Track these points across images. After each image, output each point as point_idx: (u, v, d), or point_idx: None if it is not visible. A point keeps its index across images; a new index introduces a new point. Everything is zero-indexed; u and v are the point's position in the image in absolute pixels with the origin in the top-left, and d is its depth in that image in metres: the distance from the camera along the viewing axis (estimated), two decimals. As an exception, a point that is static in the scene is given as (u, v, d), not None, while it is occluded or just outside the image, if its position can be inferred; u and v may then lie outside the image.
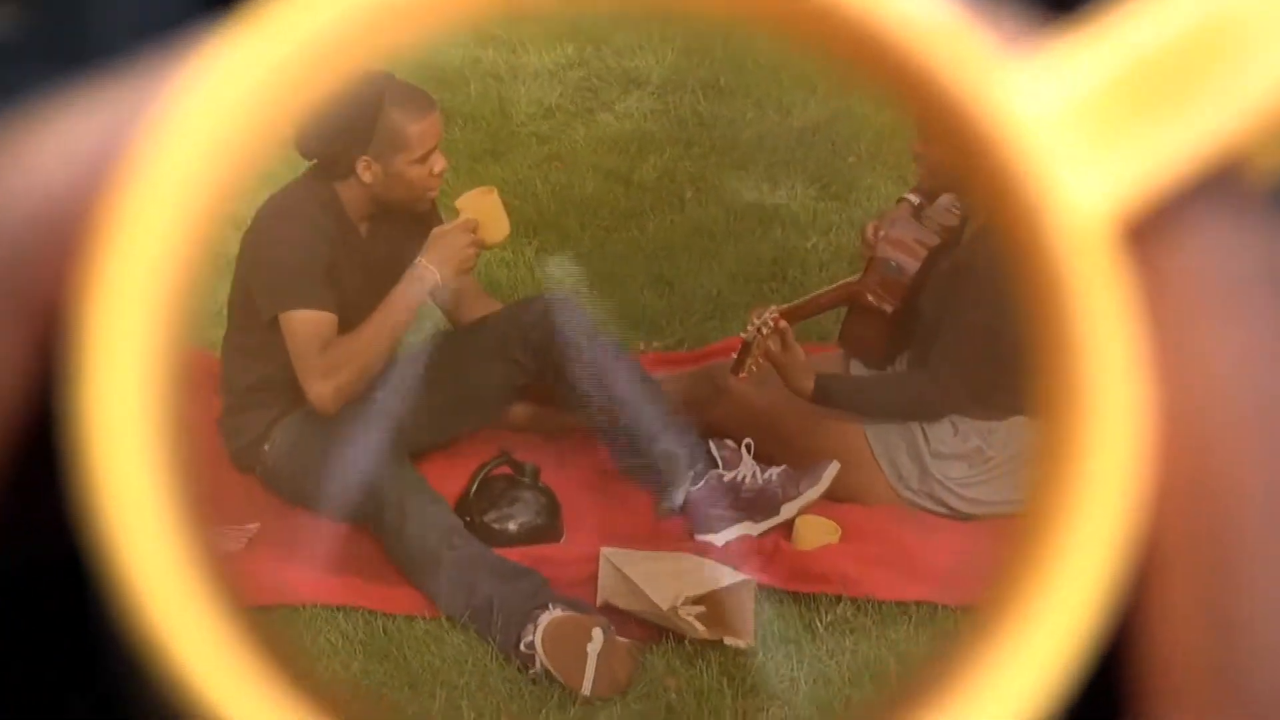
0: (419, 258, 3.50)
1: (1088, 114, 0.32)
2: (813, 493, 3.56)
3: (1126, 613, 0.32)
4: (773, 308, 3.65)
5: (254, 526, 3.55)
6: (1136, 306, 0.32)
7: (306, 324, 3.45)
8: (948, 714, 0.32)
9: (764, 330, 3.57)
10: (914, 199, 3.77)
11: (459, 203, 3.59)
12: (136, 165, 0.31)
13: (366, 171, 3.50)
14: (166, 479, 0.31)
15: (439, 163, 3.54)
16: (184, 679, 0.31)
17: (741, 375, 3.64)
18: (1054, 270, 0.31)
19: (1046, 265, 0.31)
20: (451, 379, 3.76)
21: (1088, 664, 0.32)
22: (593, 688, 3.00)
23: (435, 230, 3.54)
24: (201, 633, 0.31)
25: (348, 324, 3.48)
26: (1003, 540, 0.34)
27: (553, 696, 3.01)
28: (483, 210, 3.57)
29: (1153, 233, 0.32)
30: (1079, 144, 0.32)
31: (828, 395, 3.63)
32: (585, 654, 3.01)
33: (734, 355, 3.67)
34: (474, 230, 3.53)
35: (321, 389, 3.46)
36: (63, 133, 0.33)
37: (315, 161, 3.57)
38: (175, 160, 0.31)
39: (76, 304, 0.31)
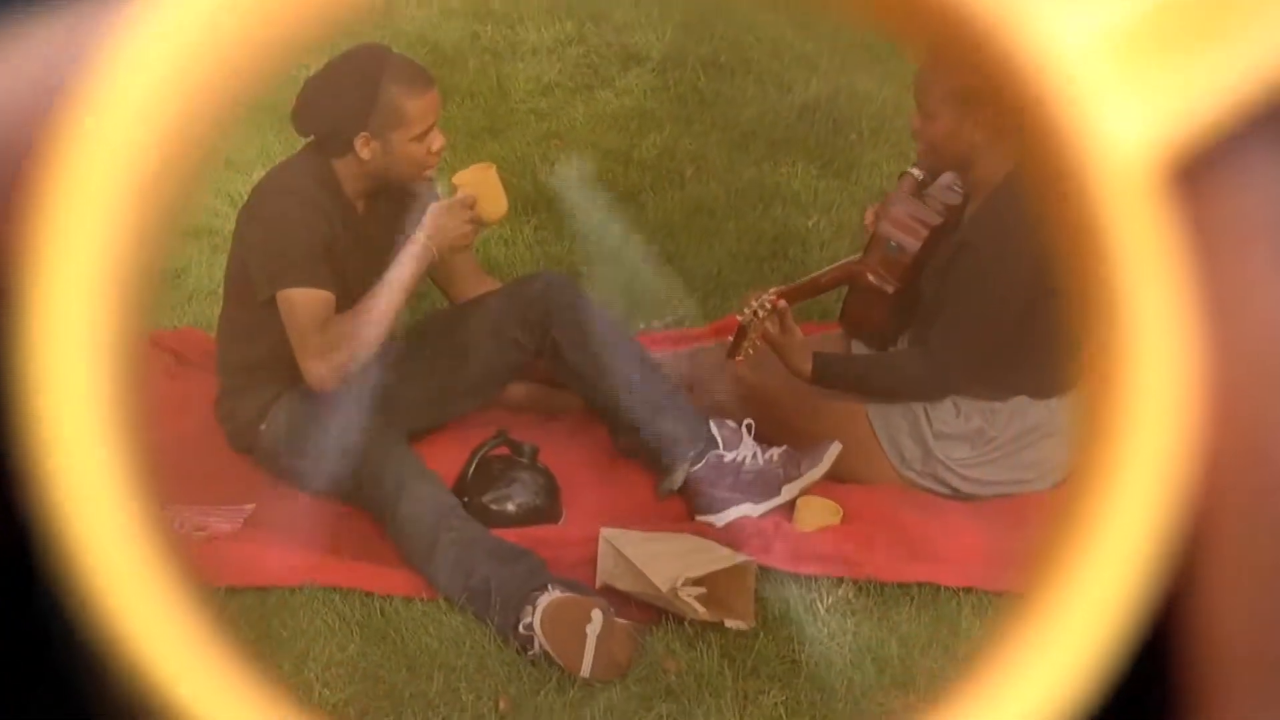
0: (416, 234, 3.48)
1: (1127, 43, 0.29)
2: (814, 473, 3.55)
3: (1178, 588, 0.30)
4: (771, 290, 3.62)
5: (250, 507, 3.54)
6: (1182, 252, 0.29)
7: (304, 303, 3.43)
8: (984, 698, 0.29)
9: (760, 313, 3.55)
10: (917, 173, 3.75)
11: (456, 179, 3.57)
12: (89, 92, 0.29)
13: (365, 148, 3.48)
14: (120, 447, 0.29)
15: (437, 140, 3.52)
16: (142, 666, 0.29)
17: (738, 359, 3.63)
18: (1093, 213, 0.28)
19: (1085, 208, 0.28)
20: (449, 358, 3.75)
21: (1135, 643, 0.29)
22: (592, 670, 2.99)
23: (432, 206, 3.52)
24: (160, 616, 0.29)
25: (345, 302, 3.47)
26: (1042, 514, 0.31)
27: (551, 679, 2.99)
28: (480, 186, 3.55)
29: (1199, 173, 0.30)
30: (1118, 76, 0.29)
31: (827, 376, 3.61)
32: (584, 636, 2.99)
33: (731, 338, 3.66)
34: (471, 206, 3.51)
35: (319, 368, 3.44)
36: (14, 57, 0.31)
37: (312, 138, 3.56)
38: (129, 88, 0.28)
39: (25, 242, 0.29)
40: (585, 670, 2.99)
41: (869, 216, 3.78)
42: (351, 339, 3.44)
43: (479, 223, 3.56)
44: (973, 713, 0.30)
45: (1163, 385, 0.28)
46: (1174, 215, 0.29)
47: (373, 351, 3.51)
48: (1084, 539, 0.29)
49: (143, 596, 0.29)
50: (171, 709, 0.29)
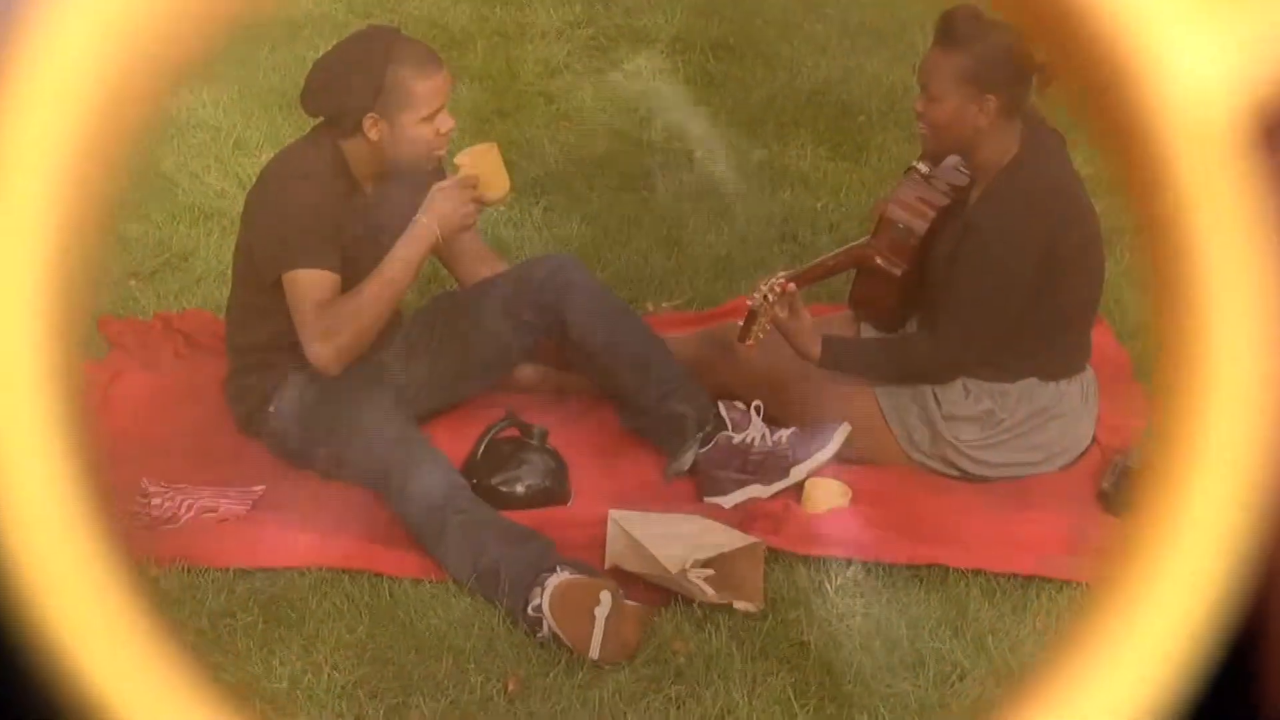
0: (419, 214, 3.48)
1: None
2: (823, 455, 3.54)
3: (1266, 582, 0.28)
4: (780, 274, 3.62)
5: (260, 489, 3.54)
6: (1265, 203, 0.26)
7: (309, 284, 3.43)
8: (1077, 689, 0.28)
9: (770, 297, 3.54)
10: (923, 168, 3.74)
11: (458, 159, 3.56)
12: (24, 56, 0.28)
13: (373, 129, 3.47)
14: (63, 439, 0.28)
15: (446, 122, 3.51)
16: (78, 669, 0.28)
17: (748, 343, 3.62)
18: (1167, 173, 0.26)
19: (1158, 166, 0.26)
20: (459, 340, 3.75)
21: (1223, 636, 0.27)
22: (601, 651, 2.98)
23: (434, 186, 3.51)
24: (95, 615, 0.28)
25: (352, 284, 3.46)
26: (1123, 510, 0.30)
27: (560, 660, 3.00)
28: (483, 166, 3.54)
29: None
30: (1196, 14, 0.26)
31: (836, 360, 3.61)
32: (593, 617, 2.99)
33: (740, 322, 3.65)
34: (474, 186, 3.50)
35: (321, 350, 3.44)
36: None
37: (321, 120, 3.56)
38: (63, 52, 0.27)
39: None
40: (594, 652, 2.99)
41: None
42: (353, 321, 3.44)
43: (481, 203, 3.55)
44: (1067, 704, 0.28)
45: (1244, 370, 0.26)
46: (1264, 176, 0.27)
47: (377, 333, 3.51)
48: (1168, 527, 0.27)
49: (81, 599, 0.28)
50: (100, 707, 0.29)
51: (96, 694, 0.29)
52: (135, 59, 0.28)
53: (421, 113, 3.46)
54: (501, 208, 4.71)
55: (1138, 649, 0.28)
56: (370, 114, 3.46)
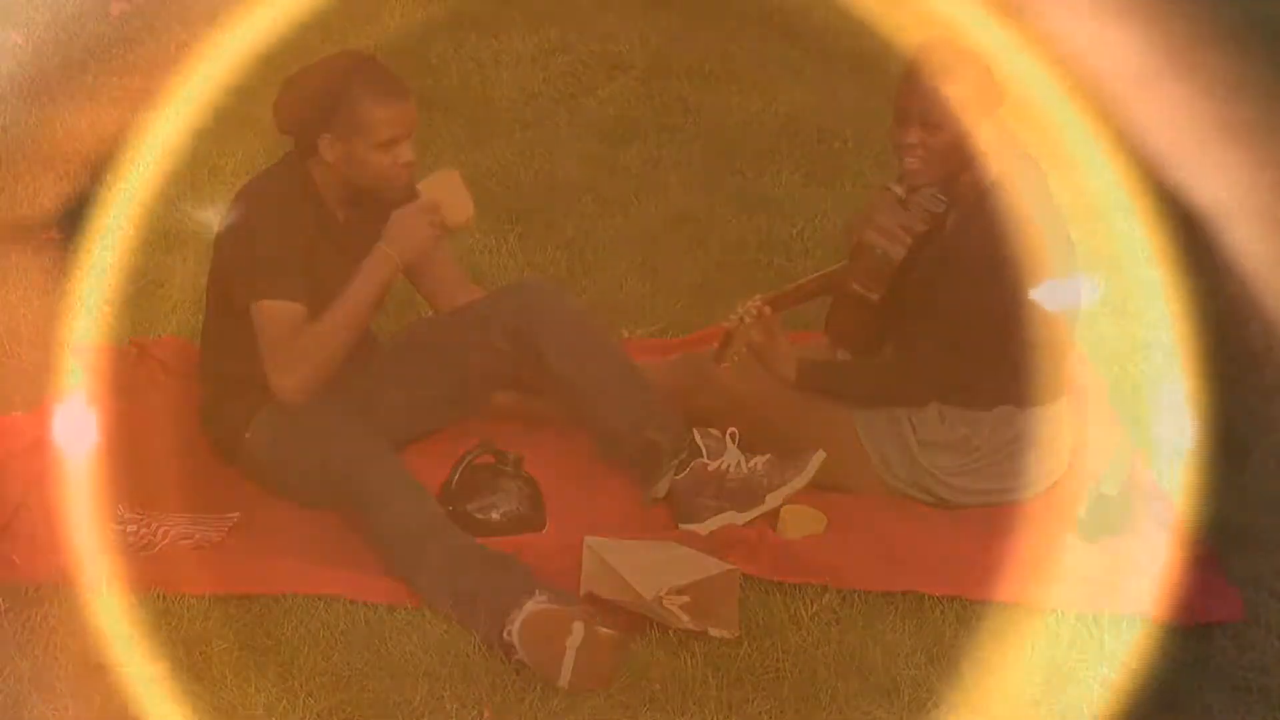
0: (379, 242, 3.47)
1: None
2: (798, 481, 3.54)
3: None
4: (757, 296, 3.62)
5: (235, 516, 3.53)
6: None
7: (273, 316, 3.43)
8: None
9: (746, 320, 3.54)
10: (898, 189, 3.74)
11: (420, 185, 3.55)
12: None
13: (329, 150, 3.46)
14: None
15: (406, 153, 3.49)
16: None
17: (724, 365, 3.62)
18: None
19: None
20: (434, 367, 3.74)
21: None
22: (571, 681, 2.98)
23: (395, 212, 3.51)
24: None
25: (321, 311, 3.46)
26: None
27: (536, 687, 2.99)
28: (444, 192, 3.53)
29: None
30: None
31: (812, 383, 3.61)
32: (564, 649, 2.98)
33: (716, 345, 3.65)
34: (434, 211, 3.50)
35: (284, 382, 3.43)
36: None
37: (294, 143, 3.55)
38: None
39: None
40: (563, 682, 2.98)
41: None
42: (315, 352, 3.43)
43: (443, 228, 3.54)
44: None
45: None
46: None
47: (341, 363, 3.49)
48: None
49: None
50: None
51: None
52: None
53: (377, 139, 3.44)
54: (475, 235, 4.71)
55: None
56: (325, 134, 3.45)
